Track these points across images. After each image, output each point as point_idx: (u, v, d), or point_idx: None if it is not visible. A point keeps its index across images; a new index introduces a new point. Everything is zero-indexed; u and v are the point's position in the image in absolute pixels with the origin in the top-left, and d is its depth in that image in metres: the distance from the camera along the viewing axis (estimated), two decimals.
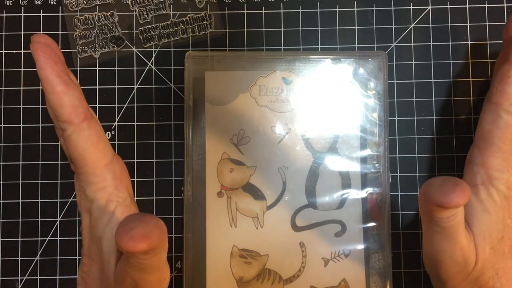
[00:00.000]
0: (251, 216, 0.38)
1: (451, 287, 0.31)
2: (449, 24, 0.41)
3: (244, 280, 0.38)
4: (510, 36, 0.33)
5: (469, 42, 0.41)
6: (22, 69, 0.40)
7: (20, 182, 0.40)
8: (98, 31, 0.41)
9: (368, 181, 0.38)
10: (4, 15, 0.41)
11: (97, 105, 0.40)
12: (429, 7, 0.41)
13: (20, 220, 0.40)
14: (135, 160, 0.40)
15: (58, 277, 0.39)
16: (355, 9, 0.41)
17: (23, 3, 0.41)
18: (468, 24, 0.41)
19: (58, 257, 0.39)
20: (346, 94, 0.39)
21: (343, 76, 0.39)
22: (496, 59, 0.36)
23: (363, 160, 0.39)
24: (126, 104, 0.40)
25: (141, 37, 0.41)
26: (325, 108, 0.39)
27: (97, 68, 0.41)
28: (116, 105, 0.40)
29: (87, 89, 0.40)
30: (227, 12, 0.41)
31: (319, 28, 0.41)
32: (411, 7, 0.41)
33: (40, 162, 0.40)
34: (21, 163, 0.40)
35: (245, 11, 0.41)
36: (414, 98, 0.40)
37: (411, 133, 0.40)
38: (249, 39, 0.41)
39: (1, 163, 0.40)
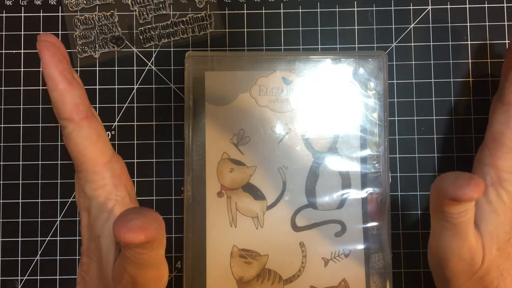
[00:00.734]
0: (251, 216, 0.38)
1: (456, 287, 0.31)
2: (449, 24, 0.41)
3: (244, 280, 0.38)
4: None
5: (469, 42, 0.41)
6: (22, 69, 0.40)
7: (20, 182, 0.40)
8: (98, 31, 0.41)
9: (368, 181, 0.38)
10: (4, 15, 0.41)
11: (97, 105, 0.40)
12: (429, 7, 0.41)
13: (20, 220, 0.40)
14: (135, 160, 0.40)
15: (58, 277, 0.39)
16: (355, 9, 0.41)
17: (23, 3, 0.41)
18: (468, 24, 0.41)
19: (58, 257, 0.39)
20: (346, 94, 0.39)
21: (343, 76, 0.39)
22: (504, 59, 0.35)
23: (363, 160, 0.39)
24: (126, 104, 0.40)
25: (141, 37, 0.41)
26: (325, 108, 0.39)
27: (97, 68, 0.41)
28: (116, 105, 0.40)
29: (87, 89, 0.40)
30: (227, 12, 0.41)
31: (319, 28, 0.41)
32: (411, 7, 0.41)
33: (40, 162, 0.40)
34: (21, 163, 0.40)
35: (245, 11, 0.41)
36: (414, 98, 0.40)
37: (411, 133, 0.40)
38: (249, 39, 0.41)
39: (1, 163, 0.40)
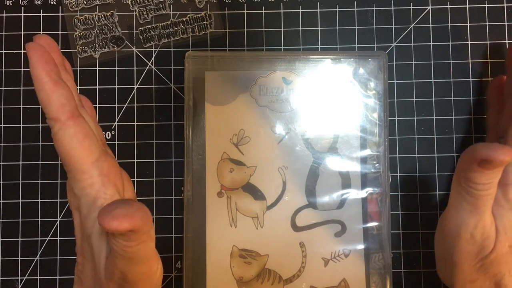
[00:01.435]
0: (251, 216, 0.38)
1: (460, 271, 0.31)
2: (449, 24, 0.41)
3: (244, 280, 0.38)
4: None
5: (469, 42, 0.41)
6: (22, 69, 0.40)
7: (20, 182, 0.40)
8: (98, 31, 0.41)
9: (368, 181, 0.38)
10: (4, 15, 0.41)
11: (97, 105, 0.40)
12: (429, 7, 0.41)
13: (20, 220, 0.40)
14: (135, 160, 0.40)
15: (58, 277, 0.39)
16: (355, 9, 0.41)
17: (23, 3, 0.41)
18: (468, 24, 0.41)
19: (58, 257, 0.39)
20: (346, 94, 0.39)
21: (343, 76, 0.39)
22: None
23: (363, 160, 0.39)
24: (126, 104, 0.40)
25: (141, 37, 0.41)
26: (325, 108, 0.39)
27: (97, 68, 0.41)
28: (116, 105, 0.40)
29: (87, 89, 0.40)
30: (227, 12, 0.41)
31: (319, 28, 0.41)
32: (411, 7, 0.41)
33: (40, 162, 0.40)
34: (21, 163, 0.40)
35: (245, 11, 0.41)
36: (414, 98, 0.40)
37: (411, 133, 0.40)
38: (249, 39, 0.41)
39: (1, 163, 0.40)
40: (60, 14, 0.41)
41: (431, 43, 0.41)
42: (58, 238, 0.40)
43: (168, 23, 0.41)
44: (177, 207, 0.40)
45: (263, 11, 0.41)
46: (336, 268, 0.38)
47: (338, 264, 0.38)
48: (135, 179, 0.40)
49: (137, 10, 0.41)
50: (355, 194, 0.38)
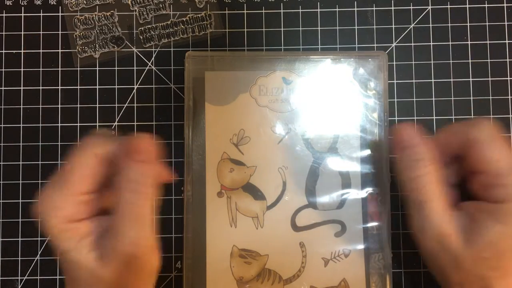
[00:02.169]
0: (251, 216, 0.38)
1: (438, 274, 0.32)
2: (449, 24, 0.41)
3: (244, 280, 0.38)
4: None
5: (469, 42, 0.41)
6: (22, 69, 0.40)
7: (20, 182, 0.40)
8: (98, 31, 0.41)
9: (368, 181, 0.38)
10: (4, 15, 0.41)
11: (97, 105, 0.40)
12: (429, 7, 0.41)
13: (20, 220, 0.40)
14: None
15: (58, 277, 0.39)
16: (355, 9, 0.41)
17: (23, 3, 0.41)
18: (468, 24, 0.41)
19: (58, 257, 0.39)
20: (346, 94, 0.39)
21: (343, 76, 0.39)
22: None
23: (363, 160, 0.39)
24: (126, 104, 0.40)
25: (141, 37, 0.41)
26: (325, 108, 0.39)
27: (97, 68, 0.41)
28: (116, 105, 0.40)
29: (87, 89, 0.40)
30: (227, 12, 0.41)
31: (319, 28, 0.41)
32: (411, 7, 0.41)
33: (40, 162, 0.40)
34: (21, 163, 0.40)
35: (245, 11, 0.41)
36: (414, 98, 0.40)
37: None
38: (249, 39, 0.41)
39: (1, 163, 0.40)
40: (60, 14, 0.41)
41: (431, 43, 0.41)
42: None
43: (168, 23, 0.41)
44: (177, 207, 0.40)
45: (263, 11, 0.41)
46: (336, 268, 0.38)
47: (338, 264, 0.38)
48: None
49: (137, 10, 0.41)
50: (355, 194, 0.38)
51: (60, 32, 0.41)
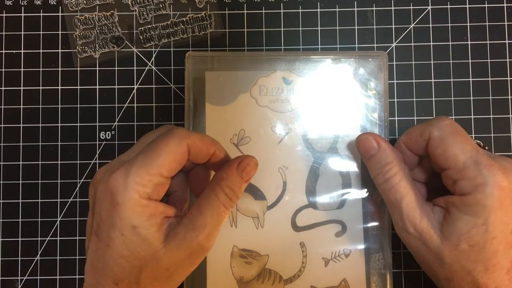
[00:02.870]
0: (251, 216, 0.38)
1: (437, 274, 0.32)
2: (449, 24, 0.41)
3: (245, 280, 0.38)
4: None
5: (469, 42, 0.41)
6: (22, 69, 0.40)
7: (20, 182, 0.40)
8: (98, 31, 0.41)
9: (368, 181, 0.38)
10: (4, 15, 0.41)
11: (97, 105, 0.40)
12: (429, 7, 0.41)
13: (20, 220, 0.40)
14: None
15: (58, 277, 0.39)
16: (355, 9, 0.41)
17: (23, 3, 0.41)
18: (468, 24, 0.41)
19: (58, 257, 0.39)
20: (346, 94, 0.39)
21: (343, 76, 0.39)
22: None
23: (364, 160, 0.38)
24: (126, 104, 0.40)
25: (141, 37, 0.41)
26: (325, 108, 0.39)
27: (97, 68, 0.41)
28: (116, 105, 0.40)
29: (87, 89, 0.40)
30: (227, 12, 0.41)
31: (319, 28, 0.41)
32: (411, 7, 0.41)
33: (40, 162, 0.40)
34: (21, 163, 0.40)
35: (245, 11, 0.41)
36: (414, 98, 0.40)
37: None
38: (249, 39, 0.41)
39: (1, 163, 0.40)
40: (60, 14, 0.41)
41: (431, 43, 0.41)
42: (58, 238, 0.40)
43: (168, 23, 0.41)
44: None
45: (263, 11, 0.41)
46: (337, 268, 0.38)
47: (339, 264, 0.38)
48: None
49: (137, 10, 0.41)
50: (356, 194, 0.38)
51: (60, 32, 0.41)
